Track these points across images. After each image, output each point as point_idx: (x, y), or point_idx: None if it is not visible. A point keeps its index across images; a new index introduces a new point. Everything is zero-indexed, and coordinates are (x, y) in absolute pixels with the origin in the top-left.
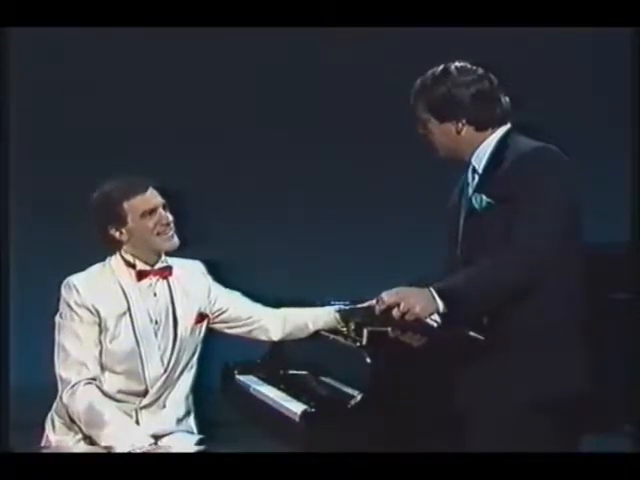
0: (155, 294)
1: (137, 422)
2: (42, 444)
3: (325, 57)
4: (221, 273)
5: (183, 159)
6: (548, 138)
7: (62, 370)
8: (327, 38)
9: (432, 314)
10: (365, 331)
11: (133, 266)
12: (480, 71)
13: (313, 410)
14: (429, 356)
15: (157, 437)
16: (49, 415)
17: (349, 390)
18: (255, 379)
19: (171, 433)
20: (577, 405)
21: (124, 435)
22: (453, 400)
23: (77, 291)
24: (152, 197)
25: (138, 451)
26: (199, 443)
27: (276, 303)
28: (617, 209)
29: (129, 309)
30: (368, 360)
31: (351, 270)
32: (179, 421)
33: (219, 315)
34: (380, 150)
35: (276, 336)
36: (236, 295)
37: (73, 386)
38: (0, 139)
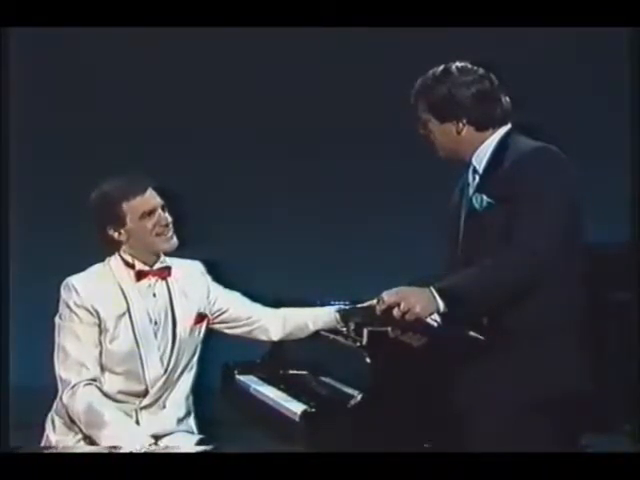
0: (154, 294)
1: (137, 422)
2: (42, 444)
3: (325, 57)
4: (220, 273)
5: (182, 159)
6: (548, 138)
7: (62, 371)
8: (327, 38)
9: (432, 314)
10: (365, 331)
11: (132, 266)
12: (481, 71)
13: (313, 410)
14: (429, 356)
15: (157, 437)
16: (49, 415)
17: (349, 390)
18: (255, 379)
19: (171, 433)
20: (577, 405)
21: (124, 435)
22: (453, 400)
23: (76, 292)
24: (151, 198)
25: (138, 451)
26: (199, 443)
27: (276, 303)
28: (617, 209)
29: (128, 310)
30: (368, 360)
31: (351, 270)
32: (179, 421)
33: (219, 315)
34: (380, 150)
35: (276, 336)
36: (236, 295)
37: (73, 387)
38: (0, 139)
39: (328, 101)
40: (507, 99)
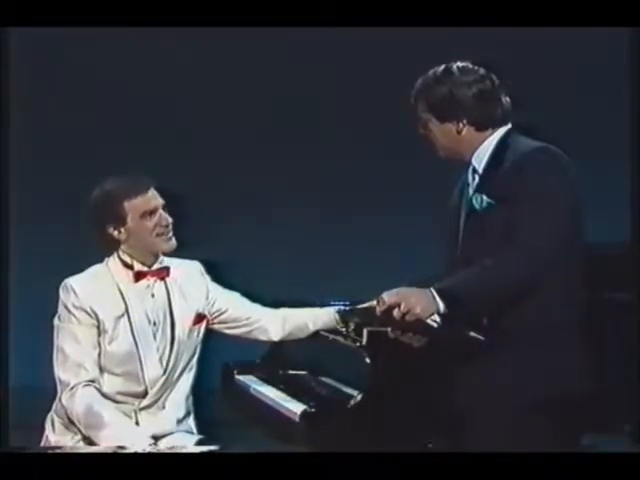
0: (153, 295)
1: (136, 423)
2: (42, 444)
3: (325, 57)
4: (220, 273)
5: (182, 159)
6: (548, 138)
7: (61, 372)
8: (327, 38)
9: (433, 314)
10: (365, 331)
11: (131, 267)
12: (482, 71)
13: (313, 410)
14: (429, 356)
15: (157, 438)
16: (49, 415)
17: (349, 390)
18: (255, 379)
19: (171, 434)
20: (577, 405)
21: (123, 436)
22: (453, 400)
23: (75, 293)
24: (153, 198)
25: (138, 451)
26: (199, 443)
27: (275, 303)
28: (617, 209)
29: (127, 311)
30: (368, 360)
31: (351, 270)
32: (179, 422)
33: (218, 316)
34: (380, 150)
35: (276, 336)
36: (235, 295)
37: (72, 388)
38: (0, 139)
39: (328, 101)
40: (507, 99)
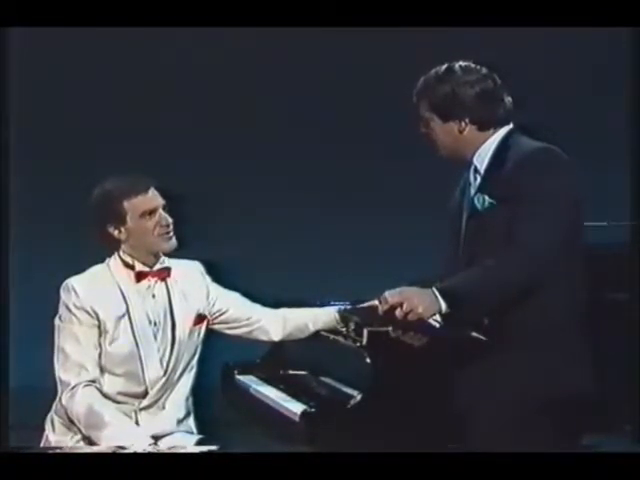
0: (154, 295)
1: (137, 423)
2: (42, 444)
3: (325, 57)
4: (220, 274)
5: (182, 159)
6: (549, 138)
7: (62, 372)
8: (327, 38)
9: (435, 314)
10: (365, 331)
11: (132, 267)
12: (484, 70)
13: (313, 410)
14: (429, 356)
15: (157, 438)
16: (49, 415)
17: (349, 390)
18: (255, 379)
19: (171, 434)
20: (577, 405)
21: (124, 436)
22: (453, 400)
23: (76, 293)
24: (153, 198)
25: (138, 452)
26: (199, 443)
27: (276, 303)
28: (617, 209)
29: (128, 311)
30: (368, 360)
31: (351, 270)
32: (179, 422)
33: (219, 316)
34: (381, 150)
35: (276, 336)
36: (235, 296)
37: (72, 388)
38: (0, 139)
39: (328, 101)
40: (509, 99)
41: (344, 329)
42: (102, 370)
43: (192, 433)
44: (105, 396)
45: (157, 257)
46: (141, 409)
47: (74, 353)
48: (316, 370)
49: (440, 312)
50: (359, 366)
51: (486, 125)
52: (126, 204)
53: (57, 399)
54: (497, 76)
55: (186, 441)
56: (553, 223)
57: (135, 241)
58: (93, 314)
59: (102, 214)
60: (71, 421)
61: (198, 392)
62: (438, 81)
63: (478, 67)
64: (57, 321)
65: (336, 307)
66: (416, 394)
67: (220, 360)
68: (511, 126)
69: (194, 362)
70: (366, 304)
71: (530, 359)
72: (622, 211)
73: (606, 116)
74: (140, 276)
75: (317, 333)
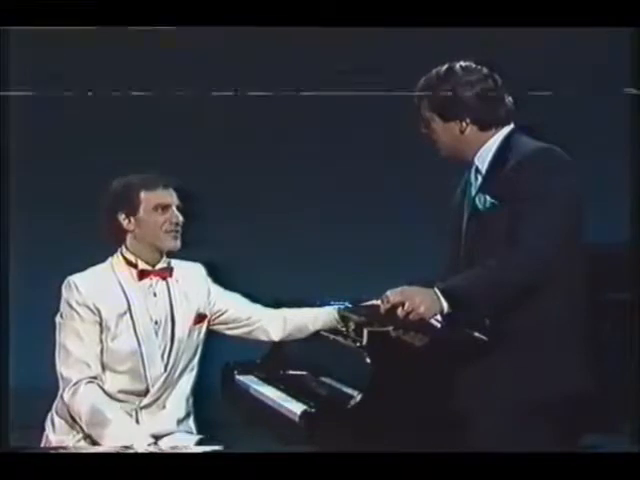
0: (155, 294)
1: (137, 422)
2: (42, 444)
3: (325, 57)
4: (221, 274)
5: (182, 159)
6: (550, 138)
7: (63, 369)
8: (327, 38)
9: (436, 314)
10: (365, 331)
11: (135, 265)
12: (485, 70)
13: (313, 410)
14: (429, 356)
15: (157, 437)
16: (49, 415)
17: (349, 390)
18: (255, 379)
19: (171, 433)
20: (577, 405)
21: (124, 435)
22: (454, 400)
23: (78, 290)
24: (169, 194)
25: (138, 451)
26: (199, 443)
27: (276, 303)
28: (617, 209)
29: (129, 309)
30: (368, 360)
31: (351, 270)
32: (179, 422)
33: (219, 316)
34: (381, 150)
35: (276, 336)
36: (236, 296)
37: (75, 385)
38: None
39: (329, 101)
40: (510, 99)
41: (344, 329)
42: (104, 367)
43: (192, 433)
44: (107, 394)
45: (160, 256)
46: (142, 408)
47: (76, 349)
48: (316, 370)
49: (442, 312)
50: (359, 366)
51: (487, 125)
52: (143, 195)
53: (58, 396)
54: (498, 76)
55: (186, 441)
56: (554, 223)
57: (142, 233)
58: (95, 311)
59: (116, 201)
60: (72, 419)
61: (198, 392)
62: (439, 81)
63: (479, 67)
64: (58, 318)
65: (336, 307)
66: (416, 394)
67: (220, 360)
68: (512, 126)
69: (195, 362)
70: (367, 303)
71: (530, 359)
72: (622, 211)
73: (606, 116)
74: (142, 274)
75: (317, 333)
